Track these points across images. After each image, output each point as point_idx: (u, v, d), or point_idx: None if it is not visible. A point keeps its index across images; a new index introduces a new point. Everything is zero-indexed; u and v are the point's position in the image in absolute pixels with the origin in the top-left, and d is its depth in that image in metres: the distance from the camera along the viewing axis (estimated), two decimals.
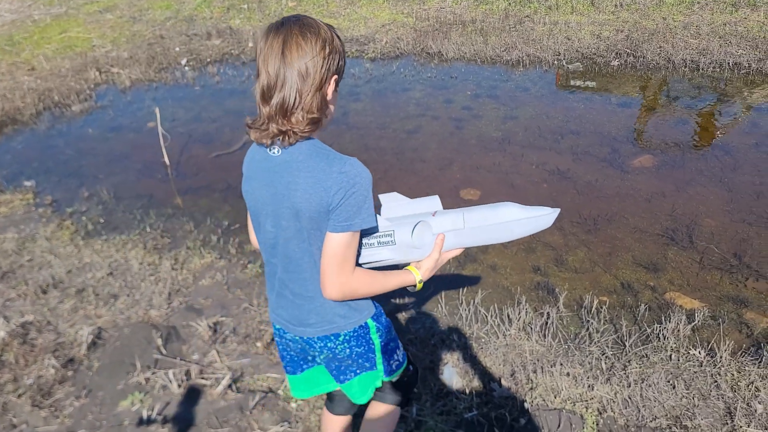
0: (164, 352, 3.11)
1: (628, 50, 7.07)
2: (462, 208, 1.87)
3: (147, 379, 2.92)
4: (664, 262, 3.91)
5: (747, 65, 6.52)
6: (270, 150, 1.58)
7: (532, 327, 3.27)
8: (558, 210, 1.87)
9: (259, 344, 3.14)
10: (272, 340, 3.19)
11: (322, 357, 1.83)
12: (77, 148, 6.02)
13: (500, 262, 3.99)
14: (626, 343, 3.15)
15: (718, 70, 6.64)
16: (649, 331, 3.24)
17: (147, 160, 5.67)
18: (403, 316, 3.48)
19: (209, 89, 7.39)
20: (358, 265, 1.71)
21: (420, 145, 5.64)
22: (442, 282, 3.79)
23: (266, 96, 1.50)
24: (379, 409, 2.04)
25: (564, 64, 7.14)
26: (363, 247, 1.76)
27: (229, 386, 2.85)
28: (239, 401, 2.76)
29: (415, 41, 8.11)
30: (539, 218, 1.84)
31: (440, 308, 3.53)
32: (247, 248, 4.22)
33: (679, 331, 3.20)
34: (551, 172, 5.04)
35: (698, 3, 8.07)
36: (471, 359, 3.06)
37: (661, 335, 3.19)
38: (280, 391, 2.84)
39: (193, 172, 5.44)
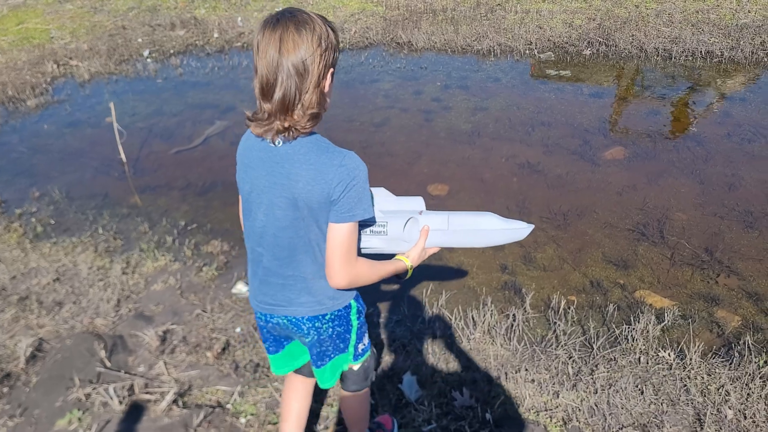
0: (108, 364, 2.92)
1: (600, 39, 6.96)
2: (447, 212, 2.03)
3: (87, 395, 2.73)
4: (635, 258, 3.80)
5: (719, 53, 6.44)
6: (271, 141, 1.60)
7: (497, 330, 3.14)
8: (533, 226, 2.06)
9: (209, 354, 2.97)
10: (223, 350, 3.02)
11: (308, 340, 1.87)
12: (30, 145, 5.76)
13: (467, 260, 3.85)
14: (594, 346, 3.03)
15: (690, 58, 6.56)
16: (617, 332, 3.12)
17: (103, 157, 5.43)
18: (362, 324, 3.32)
19: (171, 82, 7.13)
20: None
21: (388, 139, 5.47)
22: (405, 282, 3.64)
23: (266, 93, 1.53)
24: (351, 399, 2.16)
25: (536, 53, 7.01)
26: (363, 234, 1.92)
27: (175, 401, 2.67)
28: (184, 418, 2.59)
29: (385, 31, 7.93)
30: (515, 231, 2.03)
31: (402, 310, 3.38)
32: (203, 249, 4.03)
33: (648, 332, 3.09)
34: (521, 166, 4.91)
35: None
36: (432, 366, 2.92)
37: (629, 337, 3.07)
38: (229, 405, 2.67)
39: (151, 170, 5.22)
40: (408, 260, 1.90)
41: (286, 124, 1.54)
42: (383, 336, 3.18)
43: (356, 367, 2.03)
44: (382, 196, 2.03)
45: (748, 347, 2.99)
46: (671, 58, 6.56)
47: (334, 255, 1.64)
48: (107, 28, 8.80)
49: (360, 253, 1.88)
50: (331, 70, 1.59)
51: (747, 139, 5.03)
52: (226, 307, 3.41)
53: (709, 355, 2.94)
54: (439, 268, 3.78)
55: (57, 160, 5.44)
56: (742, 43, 6.51)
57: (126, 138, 5.48)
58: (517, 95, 6.13)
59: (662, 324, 3.17)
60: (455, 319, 3.24)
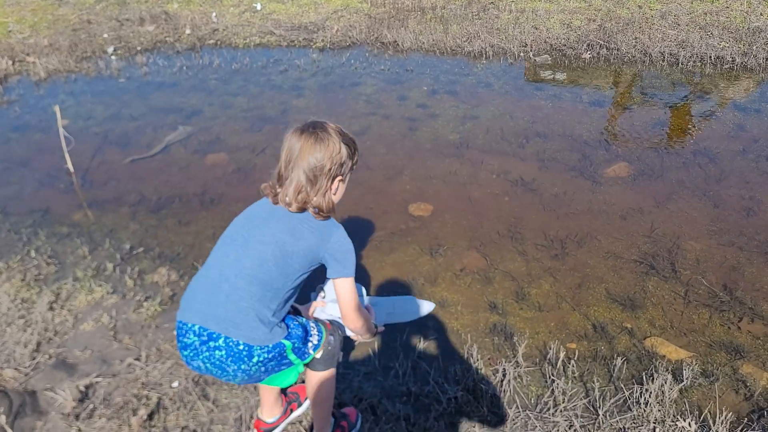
0: None
1: (601, 41, 6.45)
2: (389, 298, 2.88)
3: None
4: (643, 296, 3.29)
5: (730, 59, 5.95)
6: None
7: (484, 389, 2.62)
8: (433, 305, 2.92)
9: (133, 421, 2.43)
10: (151, 415, 2.49)
11: (237, 379, 1.91)
12: None
13: (451, 296, 3.33)
14: (599, 411, 2.52)
15: (699, 64, 6.06)
16: (627, 394, 2.61)
17: (50, 166, 4.86)
18: None
19: (135, 82, 6.55)
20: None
21: (367, 150, 4.93)
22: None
23: (280, 180, 1.93)
24: (314, 378, 2.16)
25: (531, 56, 6.49)
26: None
27: None
28: None
29: (369, 29, 7.39)
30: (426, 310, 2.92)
31: (373, 361, 2.86)
32: (148, 279, 3.49)
33: (663, 394, 2.58)
34: (514, 183, 4.39)
35: None
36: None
37: (642, 400, 2.56)
38: None
39: (101, 181, 4.65)
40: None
41: (300, 210, 1.91)
42: (350, 393, 2.65)
43: (318, 354, 2.09)
44: (329, 289, 2.42)
45: None
46: (678, 64, 6.06)
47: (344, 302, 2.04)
48: (71, 22, 8.19)
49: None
50: (339, 178, 1.94)
51: (764, 155, 4.53)
52: (165, 354, 2.87)
53: (740, 428, 2.43)
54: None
55: None
56: (755, 48, 6.01)
57: (75, 145, 4.92)
58: (511, 102, 5.61)
59: (680, 384, 2.66)
60: (434, 372, 2.72)
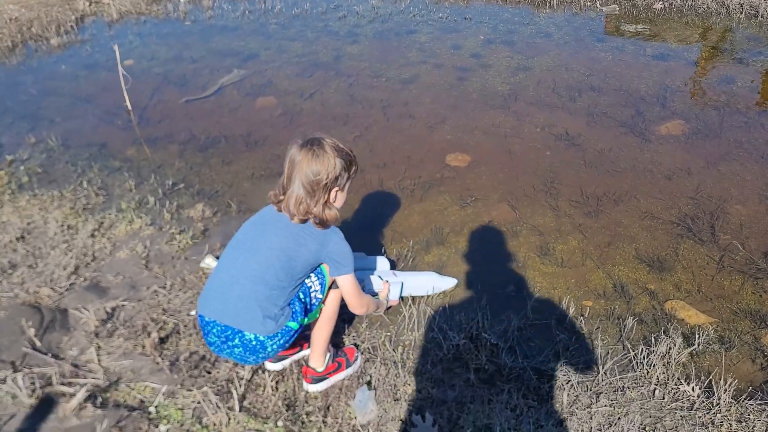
0: (38, 344, 2.61)
1: None
2: (410, 273, 3.02)
3: (2, 381, 2.43)
4: (674, 258, 3.17)
5: None
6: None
7: (486, 339, 2.63)
8: (455, 280, 3.04)
9: (146, 342, 2.60)
10: (166, 337, 2.66)
11: (264, 361, 2.20)
12: (43, 86, 5.50)
13: (472, 246, 3.32)
14: (600, 369, 2.49)
15: None
16: (633, 354, 2.56)
17: (112, 103, 5.11)
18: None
19: (199, 25, 6.72)
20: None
21: (413, 99, 4.90)
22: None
23: (284, 191, 2.08)
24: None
25: (598, 5, 6.17)
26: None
27: (92, 398, 2.33)
28: (96, 420, 2.24)
29: None
30: (446, 286, 3.01)
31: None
32: (185, 213, 3.66)
33: (671, 356, 2.51)
34: (558, 137, 4.26)
35: None
36: (398, 378, 2.46)
37: (647, 361, 2.51)
38: (152, 408, 2.31)
39: (156, 119, 4.86)
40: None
41: (301, 219, 2.07)
42: (355, 335, 2.73)
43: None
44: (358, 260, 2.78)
45: None
46: (757, 17, 5.60)
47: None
48: None
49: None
50: (336, 189, 2.10)
51: None
52: (189, 284, 3.03)
53: (744, 396, 2.34)
54: (439, 253, 3.27)
55: (65, 105, 5.16)
56: None
57: (136, 84, 5.14)
58: (568, 54, 5.39)
59: (691, 348, 2.58)
60: (439, 319, 2.75)
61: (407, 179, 3.92)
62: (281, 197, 2.10)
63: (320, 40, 6.12)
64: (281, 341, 2.10)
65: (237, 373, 2.47)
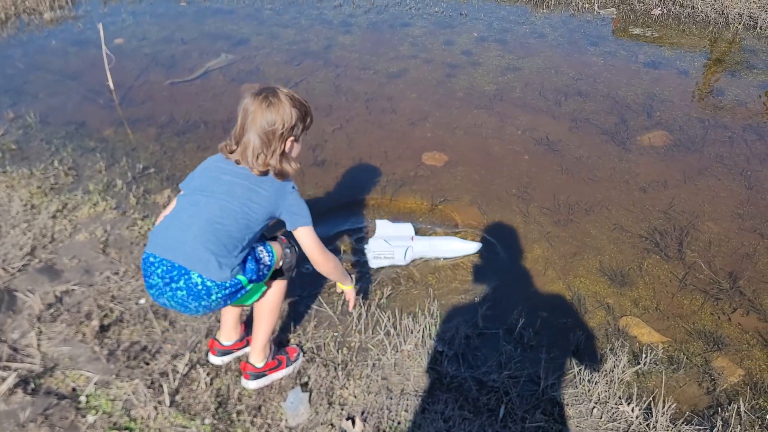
0: None
1: None
2: (429, 237, 3.29)
3: None
4: (637, 274, 3.12)
5: None
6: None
7: (432, 345, 2.59)
8: (480, 245, 3.26)
9: (86, 330, 2.59)
10: (108, 326, 2.64)
11: (199, 313, 2.08)
12: (31, 61, 5.48)
13: None
14: (542, 383, 2.45)
15: None
16: (576, 369, 2.52)
17: (97, 82, 5.07)
18: (287, 307, 2.84)
19: (194, 6, 6.67)
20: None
21: (397, 93, 4.85)
22: (353, 273, 3.13)
23: (237, 141, 2.03)
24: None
25: (595, 7, 6.07)
26: (376, 258, 3.12)
27: (24, 384, 2.32)
28: (23, 406, 2.23)
29: None
30: (470, 250, 3.23)
31: (336, 306, 2.88)
32: (151, 198, 3.63)
33: (614, 374, 2.48)
34: (538, 141, 4.21)
35: None
36: (336, 381, 2.43)
37: (590, 378, 2.47)
38: (82, 397, 2.30)
39: (139, 100, 4.83)
40: (350, 286, 2.43)
41: (257, 171, 2.02)
42: (302, 334, 2.70)
43: (277, 266, 2.23)
44: (384, 227, 3.30)
45: (739, 415, 2.35)
46: (755, 28, 5.49)
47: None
48: None
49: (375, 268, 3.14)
50: (292, 138, 2.05)
51: None
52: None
53: (681, 420, 2.31)
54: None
55: (50, 81, 5.14)
56: None
57: (123, 64, 5.13)
58: (560, 56, 5.31)
59: (636, 367, 2.54)
60: (386, 322, 2.71)
61: (381, 175, 3.88)
62: (234, 147, 2.04)
63: (313, 28, 6.06)
64: (226, 292, 2.01)
65: (174, 366, 2.45)
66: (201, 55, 5.56)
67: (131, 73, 5.22)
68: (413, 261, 3.21)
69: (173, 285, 1.96)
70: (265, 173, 2.04)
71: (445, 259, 3.22)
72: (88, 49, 5.73)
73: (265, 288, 2.22)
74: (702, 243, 3.31)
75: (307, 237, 2.14)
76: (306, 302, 2.90)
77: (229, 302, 2.08)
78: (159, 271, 1.97)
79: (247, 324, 2.56)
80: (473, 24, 5.99)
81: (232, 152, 2.05)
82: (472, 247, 3.23)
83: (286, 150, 2.06)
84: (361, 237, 3.39)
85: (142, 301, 2.81)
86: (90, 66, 5.39)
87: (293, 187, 2.11)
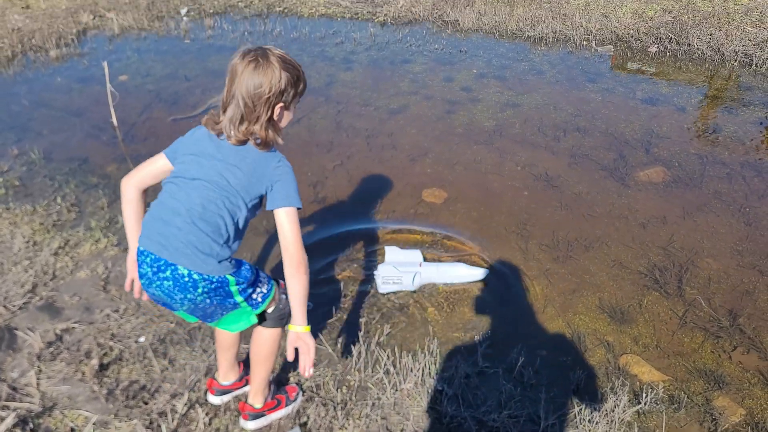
0: None
1: (671, 35, 6.04)
2: (437, 263, 3.36)
3: None
4: (637, 311, 3.12)
5: None
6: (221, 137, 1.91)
7: (432, 385, 2.58)
8: (486, 270, 3.34)
9: (86, 368, 2.59)
10: (107, 364, 2.64)
11: (185, 308, 1.99)
12: (36, 98, 5.57)
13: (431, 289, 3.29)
14: (542, 423, 2.44)
15: None
16: (577, 409, 2.51)
17: (100, 118, 5.15)
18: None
19: (198, 44, 6.80)
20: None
21: (398, 129, 4.90)
22: (354, 309, 3.13)
23: (224, 108, 1.87)
24: (259, 335, 2.23)
25: (593, 45, 6.17)
26: (385, 284, 3.20)
27: (22, 424, 2.32)
28: None
29: (434, 6, 7.27)
30: (477, 276, 3.30)
31: (335, 342, 2.88)
32: None
33: (614, 414, 2.46)
34: (537, 177, 4.24)
35: None
36: (335, 421, 2.42)
37: (590, 418, 2.45)
38: None
39: (142, 137, 4.90)
40: (304, 328, 1.97)
41: (241, 138, 1.86)
42: (292, 374, 2.69)
43: (270, 309, 2.14)
44: (392, 253, 3.40)
45: None
46: (751, 65, 5.57)
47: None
48: None
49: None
50: (281, 105, 1.86)
51: None
52: (143, 309, 3.02)
53: None
54: (394, 296, 3.24)
55: (55, 117, 5.22)
56: None
57: (127, 101, 5.21)
58: (558, 93, 5.38)
59: (637, 406, 2.52)
60: (386, 360, 2.71)
61: (380, 213, 3.91)
62: (221, 116, 1.88)
63: (315, 64, 6.16)
64: (212, 287, 1.91)
65: (173, 406, 2.44)
66: (204, 91, 5.65)
67: (135, 110, 5.30)
68: (421, 287, 3.28)
69: (161, 275, 1.90)
70: (243, 142, 1.88)
71: (452, 284, 3.31)
72: (93, 86, 5.82)
73: (254, 321, 2.12)
74: (701, 280, 3.32)
75: (289, 221, 1.90)
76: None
77: (215, 303, 1.96)
78: (147, 259, 1.91)
79: (246, 363, 2.56)
80: (473, 61, 6.09)
81: (218, 123, 1.89)
82: (478, 273, 3.30)
83: (275, 117, 1.88)
84: (371, 262, 3.44)
85: (142, 339, 2.81)
86: (94, 103, 5.47)
87: (280, 160, 1.93)
